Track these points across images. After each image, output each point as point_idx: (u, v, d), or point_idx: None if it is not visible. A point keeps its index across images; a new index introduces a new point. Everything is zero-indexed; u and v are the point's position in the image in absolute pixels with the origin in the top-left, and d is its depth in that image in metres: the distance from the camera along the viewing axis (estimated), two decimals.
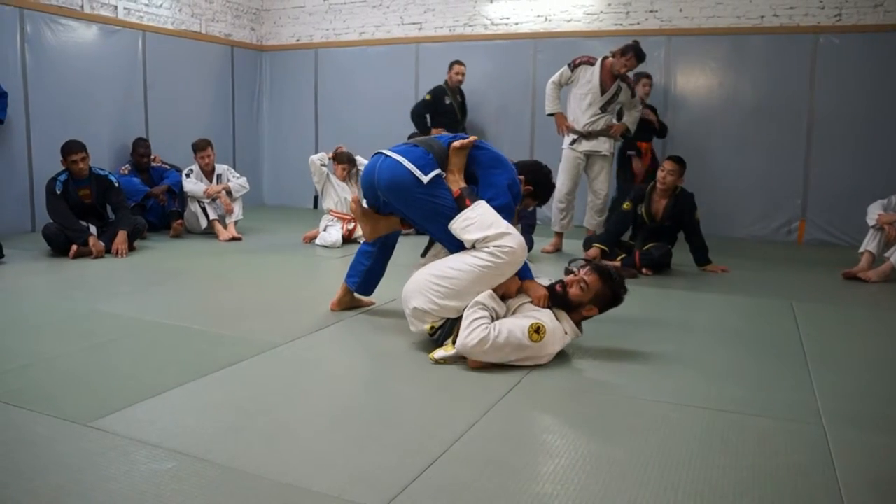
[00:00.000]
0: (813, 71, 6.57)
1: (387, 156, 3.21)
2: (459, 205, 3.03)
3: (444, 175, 3.14)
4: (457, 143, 3.17)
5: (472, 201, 3.02)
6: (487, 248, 2.89)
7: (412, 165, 3.10)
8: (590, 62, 5.76)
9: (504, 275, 2.95)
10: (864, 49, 6.38)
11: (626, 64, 5.60)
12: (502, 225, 2.94)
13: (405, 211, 3.27)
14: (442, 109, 7.09)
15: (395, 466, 1.98)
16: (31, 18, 6.21)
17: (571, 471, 1.99)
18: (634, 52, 5.59)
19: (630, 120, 5.91)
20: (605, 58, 5.72)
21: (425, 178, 3.07)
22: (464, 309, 2.91)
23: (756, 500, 1.84)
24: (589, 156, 5.88)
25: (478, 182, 3.19)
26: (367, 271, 3.68)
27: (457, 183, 3.10)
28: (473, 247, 2.97)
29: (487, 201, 3.05)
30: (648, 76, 6.58)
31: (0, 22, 5.98)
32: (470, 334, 2.76)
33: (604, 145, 5.82)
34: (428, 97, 7.11)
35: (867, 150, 6.42)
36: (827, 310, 4.10)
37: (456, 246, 3.09)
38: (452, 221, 3.00)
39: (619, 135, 5.91)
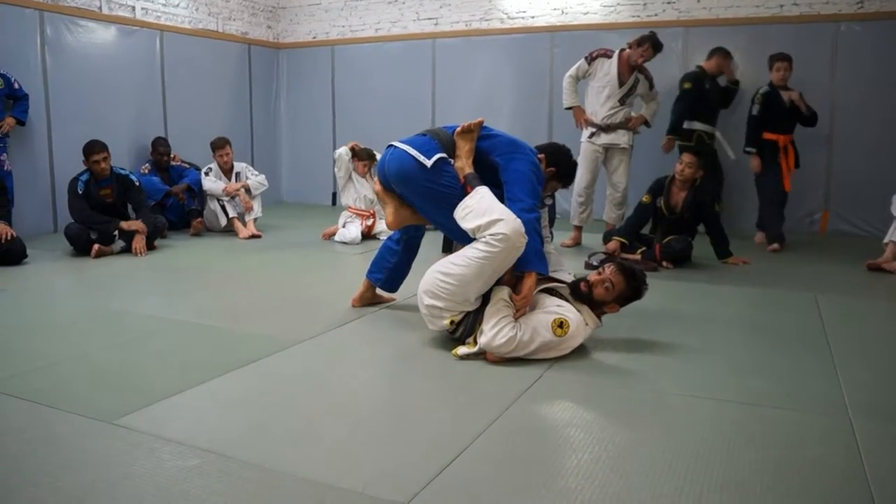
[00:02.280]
0: (834, 60, 6.48)
1: (395, 147, 3.21)
2: (464, 191, 3.01)
3: (452, 162, 3.12)
4: (461, 127, 3.14)
5: (474, 188, 2.99)
6: (483, 237, 2.84)
7: (416, 151, 3.10)
8: (607, 55, 5.74)
9: (506, 262, 2.87)
10: (887, 36, 6.27)
11: (642, 55, 5.58)
12: (496, 211, 2.86)
13: (415, 200, 3.23)
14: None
15: (419, 462, 1.98)
16: (51, 20, 6.27)
17: (595, 465, 1.98)
18: (651, 43, 5.57)
19: (649, 112, 5.87)
20: (622, 49, 5.70)
21: (428, 162, 3.05)
22: (476, 300, 2.91)
23: (783, 493, 1.83)
24: (608, 149, 5.85)
25: (499, 171, 3.14)
26: (393, 269, 3.67)
27: (463, 170, 3.08)
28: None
29: (520, 211, 2.96)
30: (785, 59, 5.73)
31: (20, 25, 6.04)
32: (497, 334, 2.77)
33: (623, 138, 5.79)
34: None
35: (891, 139, 6.32)
36: (851, 302, 4.05)
37: (459, 236, 3.07)
38: (455, 211, 2.98)
39: (637, 127, 5.87)
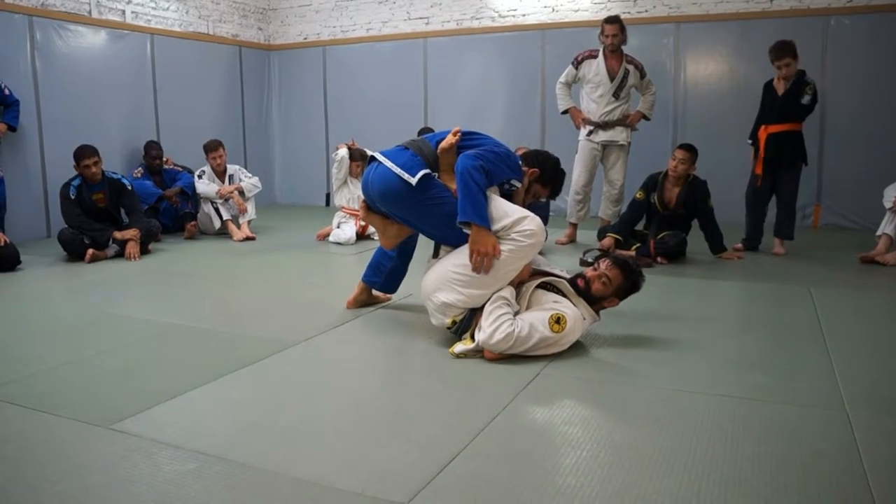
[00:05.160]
0: (824, 53, 6.51)
1: (378, 163, 3.17)
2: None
3: (437, 176, 3.10)
4: (444, 144, 3.12)
5: None
6: (509, 235, 2.87)
7: (399, 169, 3.06)
8: (592, 55, 5.80)
9: (527, 257, 2.95)
10: (877, 30, 6.31)
11: (608, 34, 5.65)
12: (516, 211, 2.93)
13: (402, 215, 3.22)
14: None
15: (418, 462, 1.98)
16: (41, 25, 6.24)
17: (594, 462, 1.98)
18: (605, 21, 5.71)
19: (645, 106, 5.87)
20: (604, 46, 5.73)
21: (413, 180, 3.01)
22: (488, 297, 2.91)
23: (781, 487, 1.83)
24: (605, 146, 5.86)
25: None
26: (390, 272, 3.68)
27: (453, 181, 3.05)
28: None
29: (464, 156, 2.98)
30: (785, 56, 5.12)
31: (10, 30, 6.03)
32: (496, 331, 2.77)
33: (621, 135, 5.81)
34: None
35: (882, 132, 6.35)
36: (845, 294, 4.07)
37: (452, 242, 3.06)
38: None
39: (636, 123, 5.87)
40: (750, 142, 5.53)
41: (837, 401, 2.43)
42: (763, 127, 5.32)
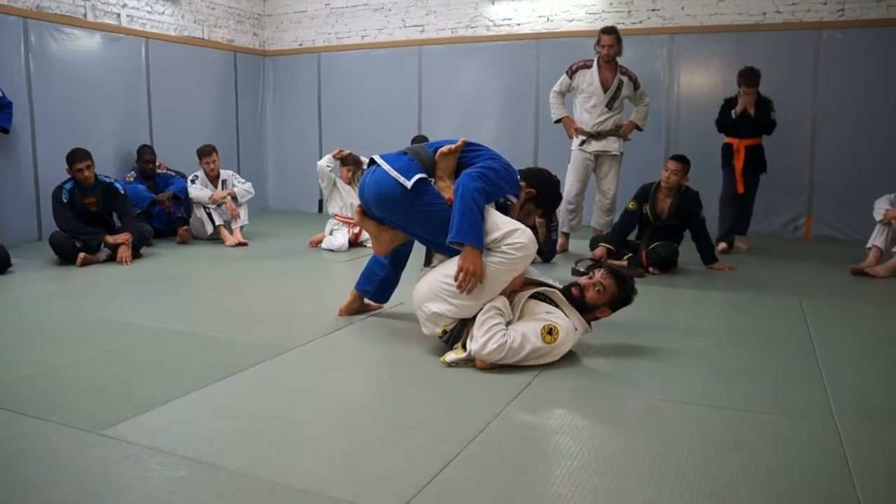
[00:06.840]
0: (816, 66, 6.56)
1: (376, 167, 3.17)
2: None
3: (433, 181, 3.10)
4: (444, 149, 3.12)
5: None
6: (499, 248, 2.87)
7: (396, 172, 3.05)
8: (586, 65, 5.81)
9: (517, 270, 2.94)
10: (868, 44, 6.36)
11: (604, 44, 5.68)
12: (508, 223, 2.93)
13: (396, 220, 3.20)
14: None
15: (409, 469, 1.98)
16: (35, 28, 6.23)
17: (585, 472, 1.99)
18: (602, 32, 5.75)
19: (638, 117, 5.90)
20: (598, 56, 5.75)
21: (409, 183, 3.01)
22: (478, 308, 2.91)
23: (771, 498, 1.84)
24: (598, 156, 5.88)
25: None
26: (382, 281, 3.68)
27: (448, 189, 3.06)
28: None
29: (467, 176, 2.98)
30: (751, 85, 5.74)
31: (4, 31, 6.01)
32: (488, 342, 2.77)
33: (613, 145, 5.83)
34: None
35: (872, 145, 6.40)
36: (836, 306, 4.09)
37: (445, 249, 3.05)
38: None
39: (628, 133, 5.89)
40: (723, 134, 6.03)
41: (827, 411, 2.44)
42: (738, 140, 5.88)
